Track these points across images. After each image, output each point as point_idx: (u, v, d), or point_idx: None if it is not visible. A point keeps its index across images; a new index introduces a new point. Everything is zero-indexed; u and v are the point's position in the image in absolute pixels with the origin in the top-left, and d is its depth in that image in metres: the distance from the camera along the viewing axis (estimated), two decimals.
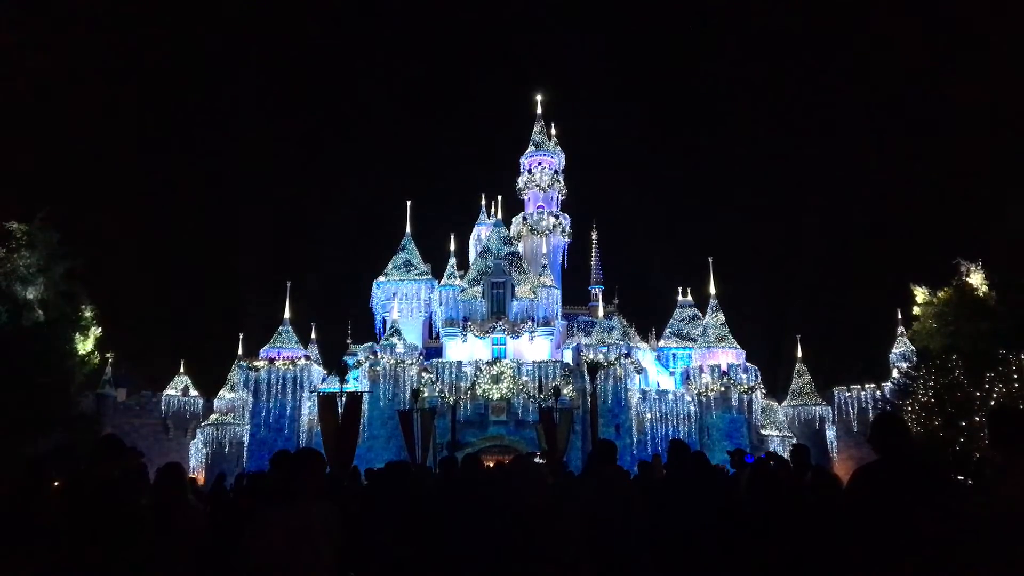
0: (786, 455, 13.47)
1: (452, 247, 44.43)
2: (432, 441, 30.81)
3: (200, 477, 38.88)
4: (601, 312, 44.03)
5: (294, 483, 4.46)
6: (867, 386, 43.78)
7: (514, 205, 49.32)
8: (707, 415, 39.64)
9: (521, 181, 49.17)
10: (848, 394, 44.24)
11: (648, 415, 39.16)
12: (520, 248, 45.94)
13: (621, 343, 39.62)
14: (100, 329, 34.56)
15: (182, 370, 45.80)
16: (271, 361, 39.54)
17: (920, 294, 36.10)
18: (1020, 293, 30.14)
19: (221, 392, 43.55)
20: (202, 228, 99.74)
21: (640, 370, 39.96)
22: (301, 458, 4.69)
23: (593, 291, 50.82)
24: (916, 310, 36.68)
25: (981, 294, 33.02)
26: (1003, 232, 31.41)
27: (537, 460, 24.17)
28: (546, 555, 6.65)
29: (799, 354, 45.80)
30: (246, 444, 38.39)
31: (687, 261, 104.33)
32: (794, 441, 35.68)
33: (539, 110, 50.49)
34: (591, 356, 37.56)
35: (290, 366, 39.39)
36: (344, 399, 25.70)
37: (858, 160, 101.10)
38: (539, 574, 6.65)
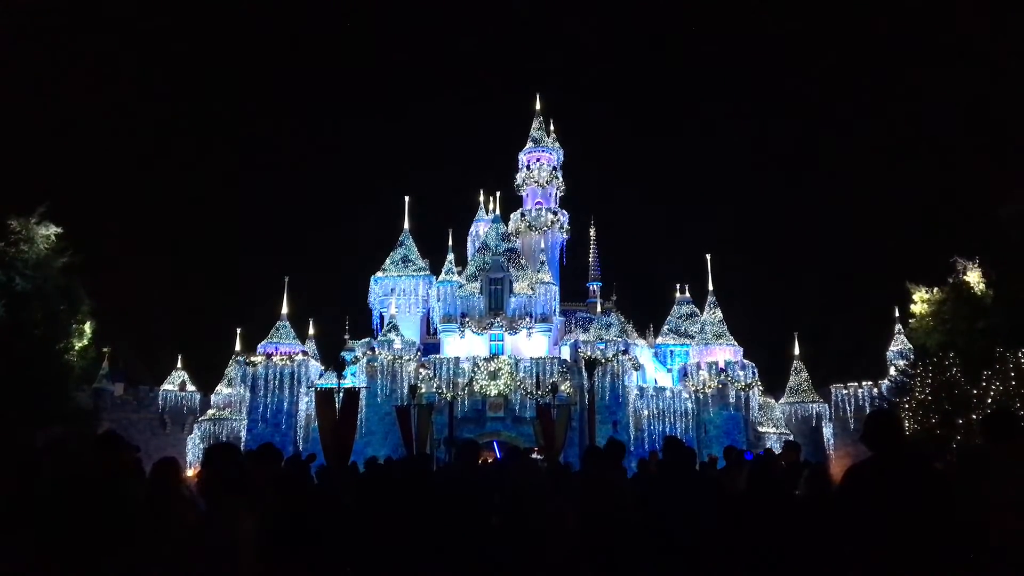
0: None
1: (450, 243, 44.47)
2: (430, 437, 30.83)
3: (197, 472, 38.86)
4: (599, 309, 44.04)
5: (212, 477, 4.42)
6: (864, 384, 43.85)
7: (512, 201, 49.38)
8: (704, 412, 39.70)
9: (520, 177, 49.14)
10: (845, 392, 44.30)
11: (645, 412, 39.21)
12: (518, 244, 45.94)
13: (619, 340, 39.62)
14: (98, 324, 34.51)
15: (179, 365, 45.77)
16: (269, 356, 39.52)
17: (918, 293, 36.09)
18: (1017, 291, 30.12)
19: (218, 387, 43.53)
20: (201, 223, 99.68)
21: (638, 367, 39.98)
22: (216, 452, 4.65)
23: (591, 288, 50.89)
24: (914, 308, 36.69)
25: (979, 292, 33.01)
26: (1000, 229, 31.28)
27: (534, 456, 24.22)
28: (544, 552, 6.67)
29: (797, 351, 45.87)
30: (243, 440, 38.34)
31: (685, 258, 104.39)
32: (789, 438, 35.76)
33: (538, 106, 50.49)
34: (589, 353, 37.56)
35: (288, 362, 39.37)
36: (341, 395, 25.70)
37: (856, 158, 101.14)
38: (537, 570, 6.67)
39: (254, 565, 4.35)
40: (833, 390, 44.74)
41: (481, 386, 38.09)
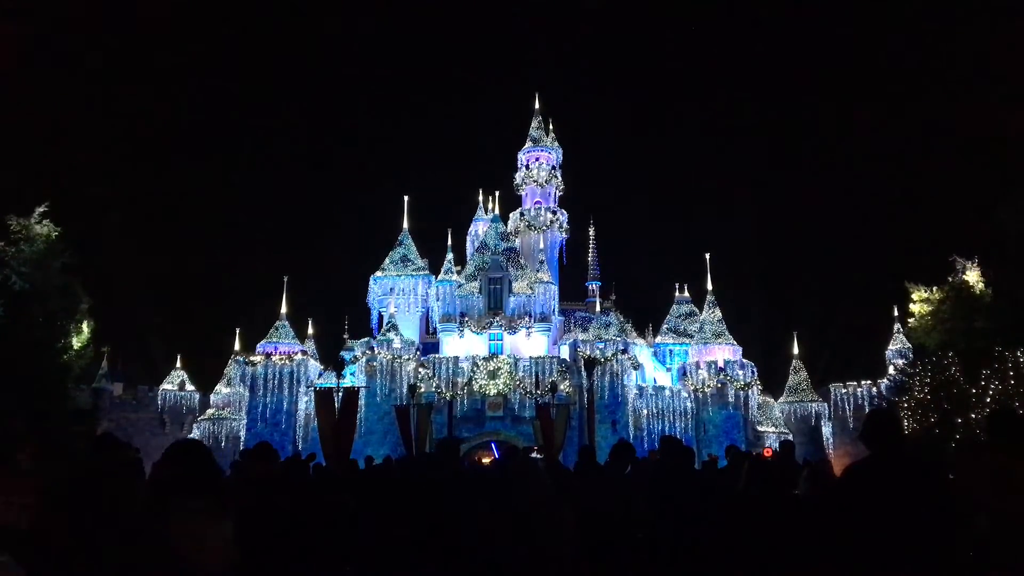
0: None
1: (449, 243, 44.49)
2: (429, 437, 30.85)
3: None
4: (598, 308, 44.05)
5: (188, 476, 4.37)
6: (863, 383, 43.93)
7: (511, 201, 49.36)
8: (703, 411, 39.70)
9: (519, 177, 49.13)
10: (844, 391, 44.38)
11: (644, 411, 39.20)
12: (517, 244, 45.93)
13: (618, 339, 39.62)
14: (97, 323, 34.50)
15: (179, 365, 45.77)
16: (268, 356, 39.51)
17: (917, 292, 36.11)
18: (1016, 291, 30.14)
19: (218, 387, 43.51)
20: (200, 223, 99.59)
21: (637, 366, 39.97)
22: (187, 450, 4.59)
23: (590, 287, 50.87)
24: (913, 307, 36.72)
25: (977, 292, 33.03)
26: (999, 229, 31.30)
27: (534, 455, 24.22)
28: (543, 552, 6.67)
29: (796, 351, 45.92)
30: (243, 439, 38.34)
31: (684, 257, 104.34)
32: (788, 437, 35.78)
33: (537, 105, 50.50)
34: (588, 352, 37.55)
35: (287, 361, 39.36)
36: (341, 394, 25.74)
37: (855, 157, 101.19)
38: (536, 571, 6.67)
39: (230, 567, 4.31)
40: (832, 389, 44.80)
41: (480, 386, 38.08)
